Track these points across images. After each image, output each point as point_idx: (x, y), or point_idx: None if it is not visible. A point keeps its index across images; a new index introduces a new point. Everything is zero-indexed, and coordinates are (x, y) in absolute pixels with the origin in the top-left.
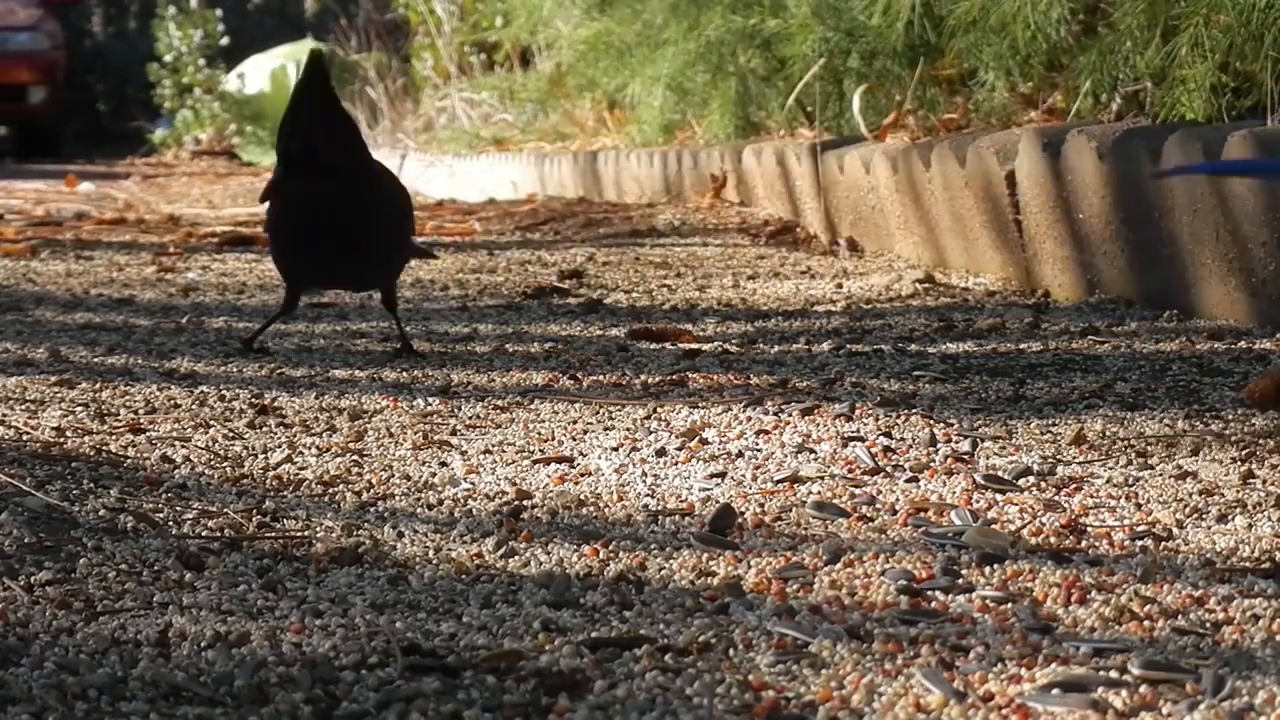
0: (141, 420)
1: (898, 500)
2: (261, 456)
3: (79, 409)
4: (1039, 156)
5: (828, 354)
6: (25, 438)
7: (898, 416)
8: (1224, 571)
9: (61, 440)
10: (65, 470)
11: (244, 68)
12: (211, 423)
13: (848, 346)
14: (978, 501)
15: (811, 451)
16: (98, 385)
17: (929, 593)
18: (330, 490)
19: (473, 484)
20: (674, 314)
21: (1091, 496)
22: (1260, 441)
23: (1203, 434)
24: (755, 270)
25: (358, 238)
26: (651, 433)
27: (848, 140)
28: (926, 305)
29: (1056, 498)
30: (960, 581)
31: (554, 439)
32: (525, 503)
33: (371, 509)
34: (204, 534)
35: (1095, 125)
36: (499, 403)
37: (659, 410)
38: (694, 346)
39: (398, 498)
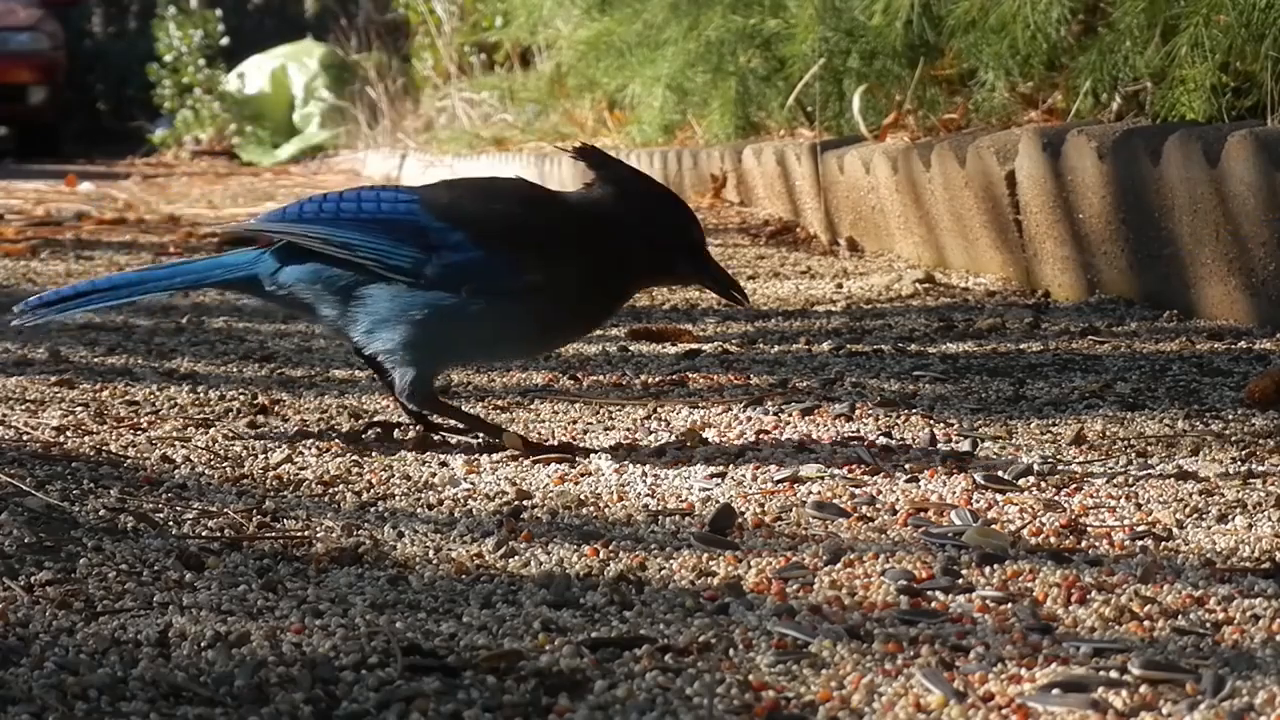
0: (141, 420)
1: (898, 500)
2: (261, 456)
3: (79, 409)
4: (1039, 156)
5: (828, 354)
6: (25, 438)
7: (898, 416)
8: (1224, 571)
9: (61, 440)
10: (65, 470)
11: (244, 68)
12: (212, 423)
13: (848, 346)
14: (978, 501)
15: (811, 451)
16: (98, 385)
17: (929, 593)
18: (330, 490)
19: (473, 484)
20: (674, 314)
21: (1091, 496)
22: (1260, 441)
23: (1203, 434)
24: (755, 270)
25: None
26: (651, 432)
27: (848, 140)
28: (926, 305)
29: (1056, 498)
30: (960, 581)
31: (554, 439)
32: (525, 503)
33: (371, 509)
34: (204, 534)
35: (1095, 125)
36: (499, 403)
37: (659, 410)
38: (694, 346)
39: (398, 498)
